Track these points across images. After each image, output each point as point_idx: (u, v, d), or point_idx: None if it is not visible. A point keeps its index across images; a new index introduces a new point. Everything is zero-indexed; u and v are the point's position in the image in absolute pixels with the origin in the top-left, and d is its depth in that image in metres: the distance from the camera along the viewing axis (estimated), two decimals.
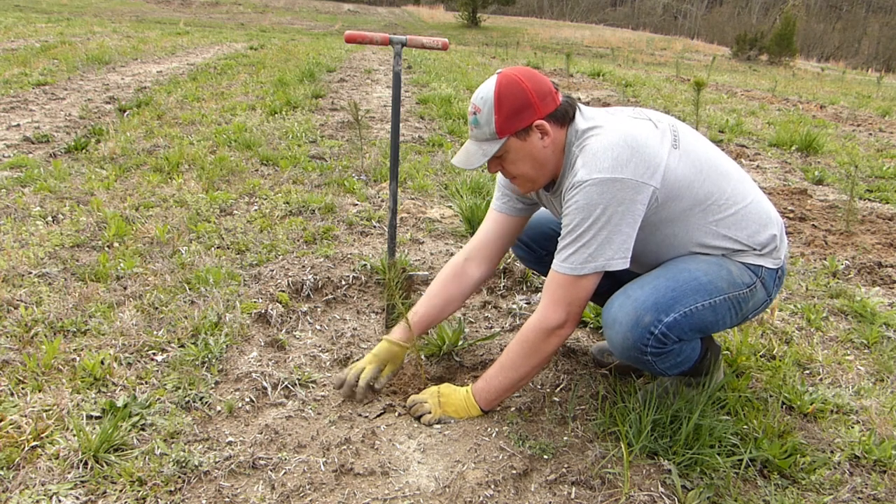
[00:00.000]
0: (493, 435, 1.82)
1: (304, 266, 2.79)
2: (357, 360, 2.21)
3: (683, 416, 1.77)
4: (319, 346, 2.30)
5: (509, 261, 2.92)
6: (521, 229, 2.09)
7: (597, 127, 1.71)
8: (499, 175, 1.96)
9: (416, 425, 1.87)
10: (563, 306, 1.72)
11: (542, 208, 2.08)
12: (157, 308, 2.41)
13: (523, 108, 1.68)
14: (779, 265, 1.84)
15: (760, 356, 2.32)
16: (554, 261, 1.72)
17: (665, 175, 1.65)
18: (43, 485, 1.54)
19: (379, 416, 1.91)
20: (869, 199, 4.67)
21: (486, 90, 1.71)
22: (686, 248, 1.78)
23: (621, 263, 1.66)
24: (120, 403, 1.82)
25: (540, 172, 1.78)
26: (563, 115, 1.74)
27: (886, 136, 7.80)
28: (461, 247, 3.16)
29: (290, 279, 2.66)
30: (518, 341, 1.79)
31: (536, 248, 2.17)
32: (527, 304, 2.67)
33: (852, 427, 1.96)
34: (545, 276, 2.35)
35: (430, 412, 1.88)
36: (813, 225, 3.97)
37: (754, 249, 1.79)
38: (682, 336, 1.71)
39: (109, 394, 1.91)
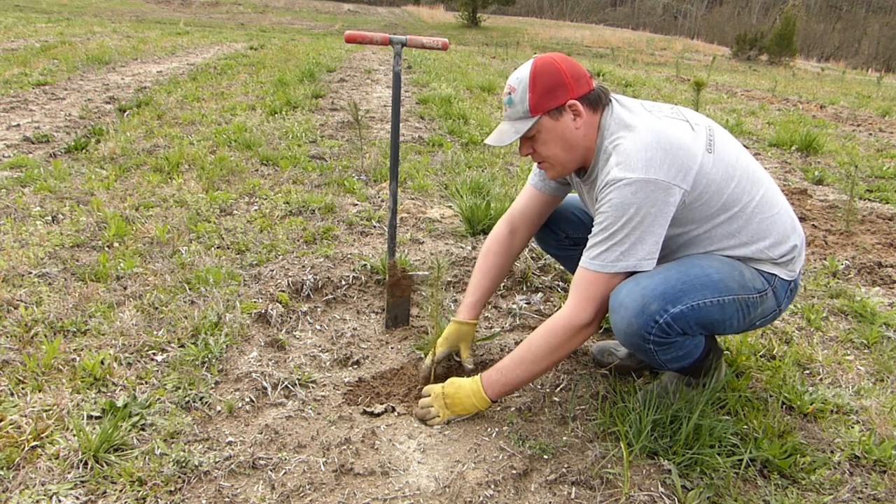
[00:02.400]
0: (493, 435, 1.82)
1: (304, 266, 2.79)
2: (357, 358, 2.21)
3: (683, 416, 1.77)
4: (319, 346, 2.30)
5: None
6: (555, 206, 2.13)
7: (632, 125, 1.72)
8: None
9: (416, 425, 1.87)
10: (592, 304, 1.72)
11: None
12: (157, 308, 2.41)
13: (557, 87, 1.71)
14: (793, 277, 1.84)
15: (760, 356, 2.32)
16: (583, 258, 1.73)
17: (696, 178, 1.66)
18: (43, 485, 1.54)
19: (378, 415, 1.91)
20: (869, 199, 4.67)
21: (522, 72, 1.74)
22: (704, 248, 1.78)
23: (649, 264, 1.67)
24: (120, 403, 1.82)
25: (570, 156, 1.79)
26: (597, 100, 1.76)
27: (886, 136, 7.80)
28: (462, 247, 3.17)
29: (290, 279, 2.66)
30: (544, 336, 1.77)
31: (559, 231, 2.19)
32: (527, 304, 2.67)
33: (852, 427, 1.96)
34: (560, 261, 2.40)
35: (437, 416, 1.87)
36: (813, 225, 3.97)
37: (772, 259, 1.78)
38: (686, 329, 1.71)
39: (109, 394, 1.91)
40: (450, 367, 2.20)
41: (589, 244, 1.72)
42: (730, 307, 1.74)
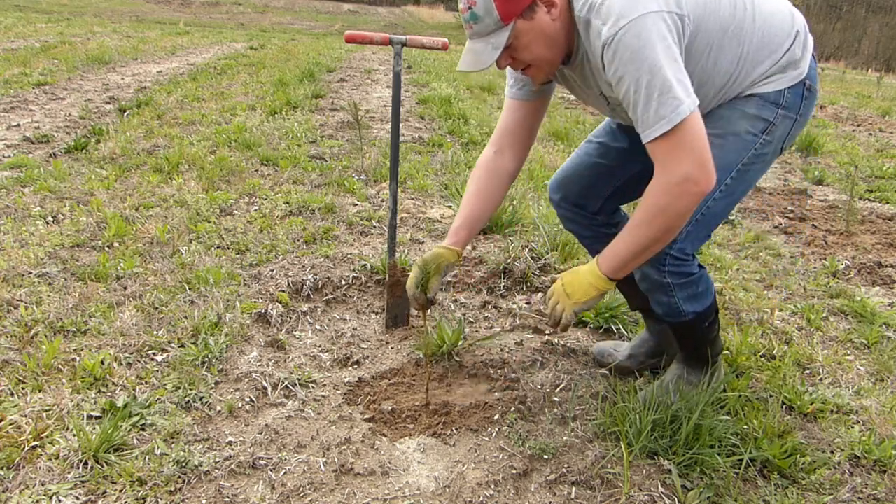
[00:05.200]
0: (493, 435, 1.82)
1: (304, 266, 2.79)
2: (357, 358, 2.22)
3: (683, 416, 1.77)
4: (319, 346, 2.30)
5: (509, 260, 2.92)
6: (542, 113, 1.94)
7: None
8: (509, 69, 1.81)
9: (414, 425, 1.87)
10: (685, 156, 1.49)
11: (569, 163, 2.05)
12: (157, 308, 2.41)
13: None
14: (801, 77, 1.70)
15: (760, 356, 2.32)
16: (644, 135, 1.53)
17: (685, 2, 1.55)
18: (43, 485, 1.54)
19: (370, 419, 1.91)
20: (869, 199, 4.67)
21: None
22: (722, 83, 1.68)
23: (693, 98, 1.51)
24: (120, 403, 1.82)
25: (555, 52, 1.64)
26: None
27: (886, 136, 7.80)
28: None
29: (290, 279, 2.66)
30: (647, 198, 1.56)
31: (585, 202, 2.06)
32: (527, 304, 2.67)
33: (852, 427, 1.96)
34: (594, 244, 2.11)
35: (563, 311, 1.70)
36: (813, 225, 3.97)
37: (779, 65, 1.68)
38: (700, 238, 1.73)
39: (109, 394, 1.91)
40: (450, 367, 2.20)
41: (636, 120, 1.53)
42: (736, 185, 1.72)
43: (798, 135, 1.81)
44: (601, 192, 2.05)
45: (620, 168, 1.99)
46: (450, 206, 3.78)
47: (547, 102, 1.94)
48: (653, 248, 1.61)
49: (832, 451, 1.84)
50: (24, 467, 1.59)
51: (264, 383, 2.01)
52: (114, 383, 1.96)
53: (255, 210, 3.53)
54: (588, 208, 2.08)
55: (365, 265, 2.85)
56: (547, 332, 2.46)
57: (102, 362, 2.01)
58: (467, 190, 1.95)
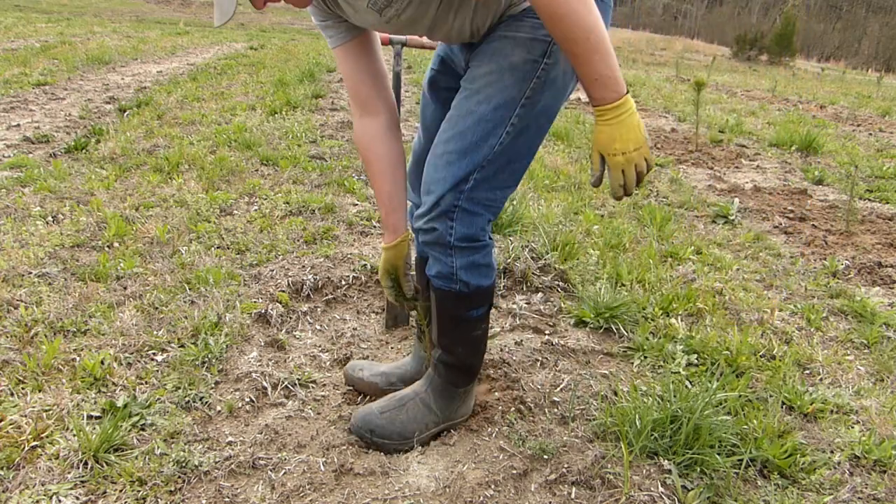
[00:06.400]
0: (493, 435, 1.82)
1: (304, 266, 2.79)
2: (357, 357, 2.21)
3: (683, 416, 1.77)
4: (319, 346, 2.30)
5: (509, 260, 2.92)
6: (373, 48, 1.72)
7: None
8: (312, 18, 1.68)
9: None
10: None
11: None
12: (157, 308, 2.41)
13: None
14: None
15: (760, 356, 2.32)
16: None
17: None
18: (43, 485, 1.54)
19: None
20: (869, 199, 4.67)
21: None
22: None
23: None
24: (120, 403, 1.82)
25: None
26: None
27: (886, 136, 7.80)
28: None
29: (290, 279, 2.66)
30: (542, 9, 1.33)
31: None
32: (527, 304, 2.67)
33: (852, 427, 1.96)
34: None
35: (644, 165, 1.42)
36: (813, 225, 3.97)
37: None
38: (497, 186, 1.57)
39: (109, 394, 1.91)
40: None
41: None
42: (534, 107, 1.53)
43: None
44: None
45: None
46: None
47: (370, 39, 1.71)
48: (601, 35, 1.32)
49: (832, 451, 1.84)
50: (24, 467, 1.59)
51: (264, 383, 2.01)
52: (114, 383, 1.96)
53: (255, 210, 3.53)
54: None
55: (365, 265, 2.85)
56: (546, 332, 2.45)
57: (102, 362, 2.01)
58: (369, 174, 1.80)
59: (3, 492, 1.52)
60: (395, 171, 1.76)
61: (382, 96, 1.74)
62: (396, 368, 2.05)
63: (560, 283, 2.85)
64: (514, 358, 2.23)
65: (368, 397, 1.98)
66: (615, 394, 2.04)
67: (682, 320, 2.56)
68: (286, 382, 2.03)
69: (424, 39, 2.33)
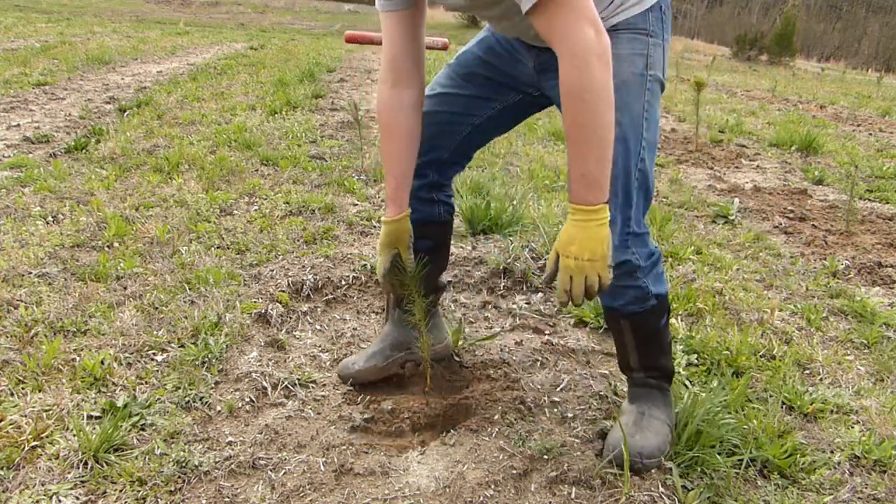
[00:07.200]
0: (493, 435, 1.82)
1: (304, 266, 2.79)
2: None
3: (684, 416, 1.77)
4: (319, 346, 2.30)
5: (509, 260, 2.92)
6: (422, 27, 1.76)
7: None
8: None
9: (414, 425, 1.87)
10: (583, 22, 1.31)
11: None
12: (157, 308, 2.41)
13: None
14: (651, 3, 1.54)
15: (760, 356, 2.32)
16: (522, 7, 1.35)
17: None
18: (43, 485, 1.54)
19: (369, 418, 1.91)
20: (869, 199, 4.67)
21: None
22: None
23: None
24: (120, 403, 1.82)
25: None
26: None
27: (886, 136, 7.80)
28: (462, 247, 3.17)
29: (290, 279, 2.66)
30: (566, 82, 1.35)
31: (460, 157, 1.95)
32: (527, 304, 2.67)
33: (852, 427, 1.96)
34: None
35: (597, 280, 1.43)
36: (813, 225, 3.97)
37: None
38: (647, 201, 1.61)
39: (109, 394, 1.91)
40: (450, 367, 2.20)
41: None
42: (652, 118, 1.56)
43: (667, 61, 1.63)
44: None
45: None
46: None
47: (422, 11, 1.71)
48: (608, 136, 1.37)
49: (832, 451, 1.84)
50: (24, 467, 1.59)
51: (264, 383, 2.01)
52: (114, 383, 1.96)
53: (255, 210, 3.53)
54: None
55: (365, 265, 2.85)
56: (546, 332, 2.46)
57: (102, 362, 2.01)
58: (384, 146, 1.79)
59: (3, 492, 1.52)
60: (412, 147, 1.78)
61: (419, 72, 1.77)
62: (383, 341, 2.08)
63: None
64: (515, 358, 2.23)
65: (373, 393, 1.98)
66: (615, 394, 2.04)
67: (682, 320, 2.56)
68: (286, 382, 2.03)
69: (432, 40, 2.32)
